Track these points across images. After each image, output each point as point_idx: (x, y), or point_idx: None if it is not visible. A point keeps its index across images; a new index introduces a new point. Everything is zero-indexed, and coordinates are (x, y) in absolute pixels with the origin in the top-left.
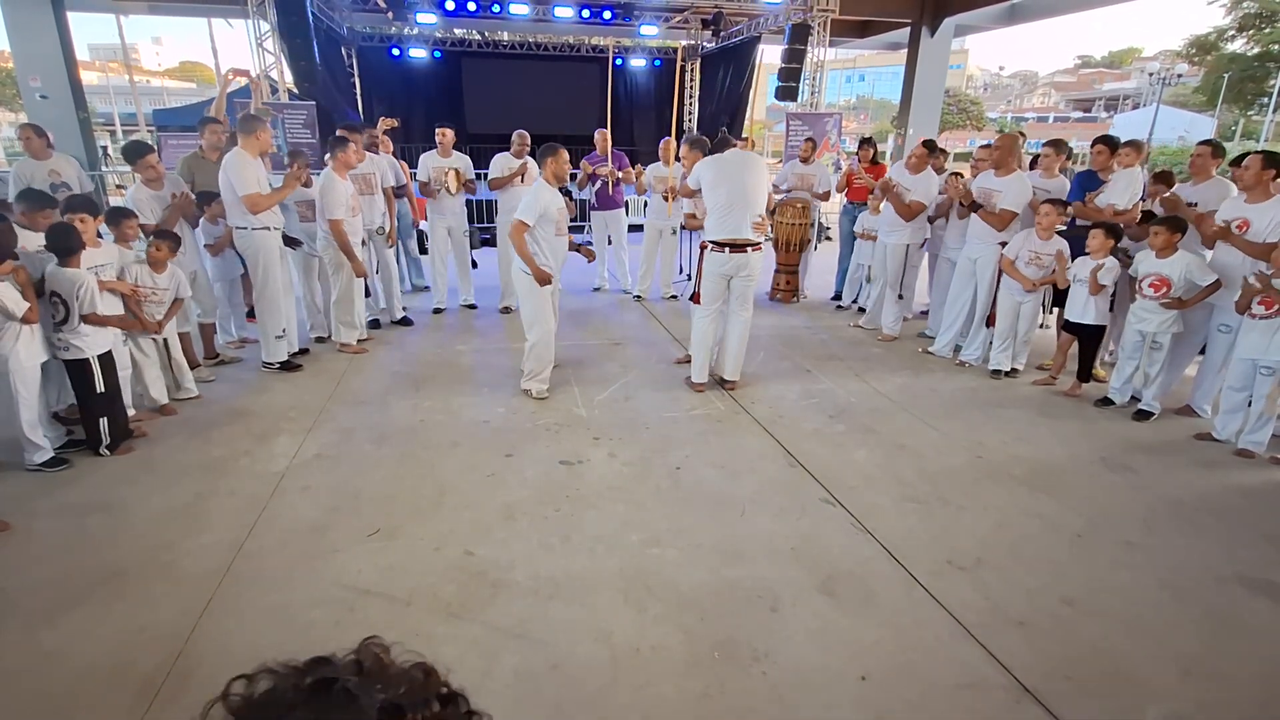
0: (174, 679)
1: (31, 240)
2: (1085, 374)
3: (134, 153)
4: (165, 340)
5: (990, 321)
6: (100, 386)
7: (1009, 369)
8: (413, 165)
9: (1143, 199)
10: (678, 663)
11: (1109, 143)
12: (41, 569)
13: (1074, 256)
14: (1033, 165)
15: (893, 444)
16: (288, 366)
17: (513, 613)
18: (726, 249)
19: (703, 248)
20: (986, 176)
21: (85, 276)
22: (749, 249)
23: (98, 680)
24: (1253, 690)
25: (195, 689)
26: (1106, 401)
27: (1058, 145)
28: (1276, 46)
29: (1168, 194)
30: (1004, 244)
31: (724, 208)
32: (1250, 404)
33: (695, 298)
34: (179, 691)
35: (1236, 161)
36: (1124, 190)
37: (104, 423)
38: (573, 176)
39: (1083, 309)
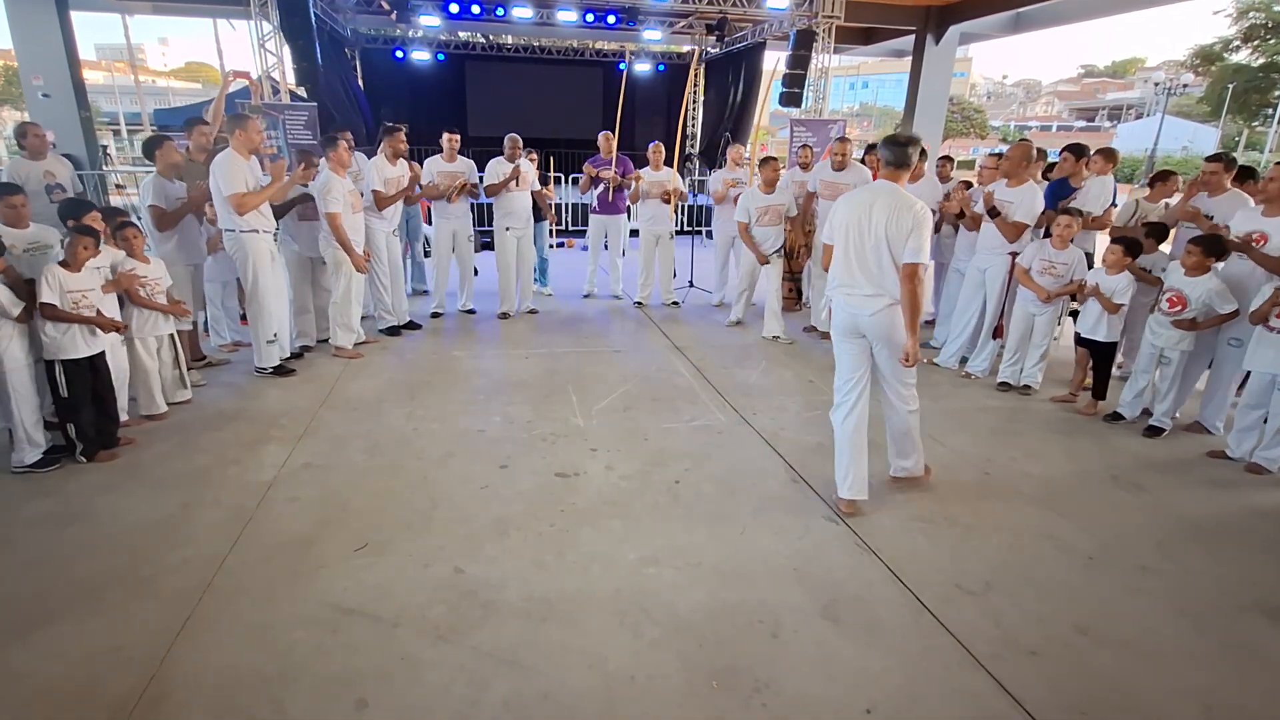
0: (145, 703)
1: (19, 240)
2: (1100, 392)
3: (154, 144)
4: (173, 337)
5: (998, 333)
6: (64, 391)
7: (1022, 386)
8: None
9: (1114, 204)
10: (675, 693)
11: (1075, 151)
12: (16, 582)
13: None
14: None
15: None
16: (281, 371)
17: (503, 636)
18: None
19: None
20: (998, 187)
21: (47, 269)
22: None
23: (65, 702)
24: None
25: (168, 713)
26: (1116, 416)
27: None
28: None
29: (1189, 207)
30: (1014, 254)
31: None
32: (1266, 420)
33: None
34: (150, 716)
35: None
36: (1096, 197)
37: (70, 429)
38: (575, 179)
39: (1094, 325)
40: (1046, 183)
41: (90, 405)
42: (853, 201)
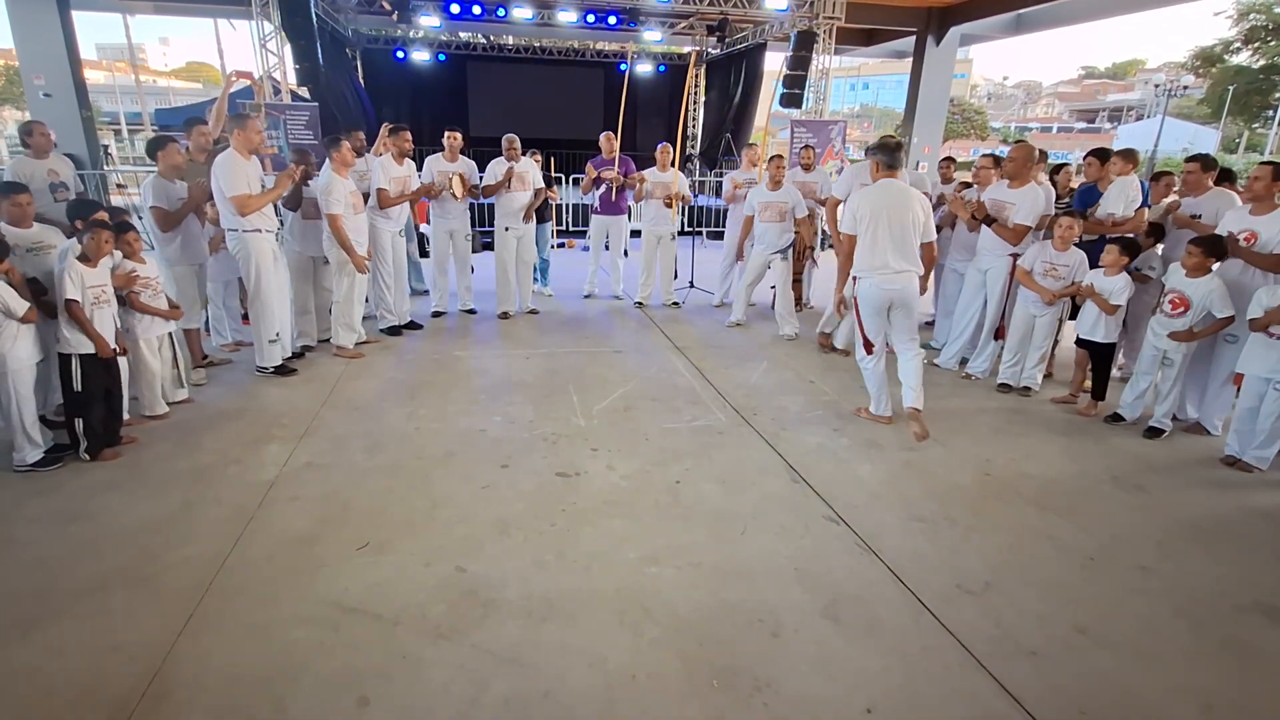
0: (147, 702)
1: (22, 240)
2: (1100, 393)
3: (157, 145)
4: (172, 335)
5: (1000, 334)
6: (77, 386)
7: (1021, 387)
8: (417, 167)
9: (1145, 205)
10: (675, 692)
11: (1099, 155)
12: (19, 580)
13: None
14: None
15: (898, 460)
16: (282, 370)
17: (504, 635)
18: None
19: None
20: (999, 188)
21: (65, 265)
22: None
23: (67, 701)
24: None
25: (169, 712)
26: (1117, 418)
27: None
28: None
29: (1178, 212)
30: (1015, 255)
31: None
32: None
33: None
34: (151, 715)
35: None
36: (1119, 198)
37: (78, 424)
38: (576, 180)
39: (1093, 326)
40: (1051, 184)
41: (101, 401)
42: (875, 197)
